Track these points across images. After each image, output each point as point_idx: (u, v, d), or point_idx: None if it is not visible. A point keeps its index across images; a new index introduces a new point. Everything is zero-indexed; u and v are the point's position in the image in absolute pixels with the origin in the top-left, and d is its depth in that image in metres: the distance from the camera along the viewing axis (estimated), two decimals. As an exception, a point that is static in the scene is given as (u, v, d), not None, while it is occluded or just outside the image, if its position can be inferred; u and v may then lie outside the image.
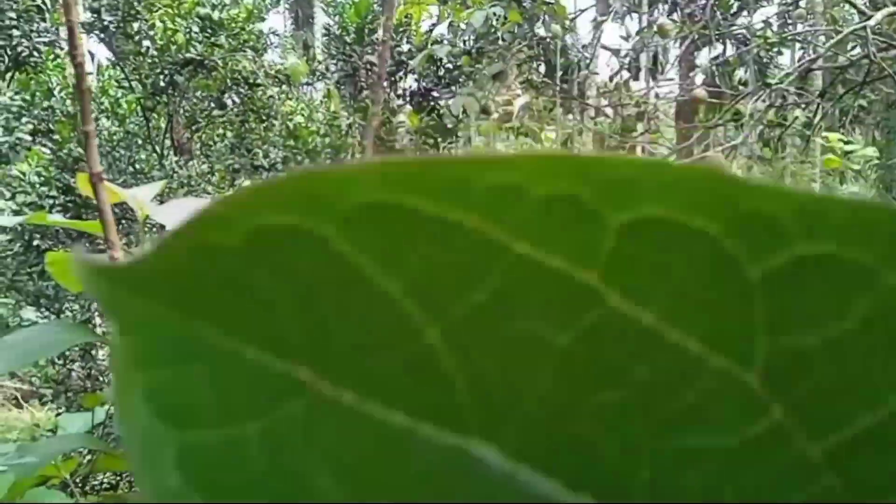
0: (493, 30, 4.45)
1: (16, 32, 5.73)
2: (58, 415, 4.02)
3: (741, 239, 0.12)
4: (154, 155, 5.28)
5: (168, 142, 5.67)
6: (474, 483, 0.14)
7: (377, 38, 6.14)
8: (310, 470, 0.14)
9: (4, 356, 2.28)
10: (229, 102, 5.59)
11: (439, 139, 6.25)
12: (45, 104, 5.48)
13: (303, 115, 6.23)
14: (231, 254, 0.13)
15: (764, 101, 3.67)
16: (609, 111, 4.97)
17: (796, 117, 4.16)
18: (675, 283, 0.12)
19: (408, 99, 6.47)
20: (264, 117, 5.64)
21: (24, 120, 4.94)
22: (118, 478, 3.67)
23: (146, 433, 0.14)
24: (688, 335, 0.12)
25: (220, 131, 5.89)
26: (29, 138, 5.16)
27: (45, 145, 5.01)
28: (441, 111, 6.30)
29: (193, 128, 5.74)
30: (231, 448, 0.14)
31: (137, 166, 5.03)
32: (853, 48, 3.52)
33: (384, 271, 0.13)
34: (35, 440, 3.58)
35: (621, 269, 0.12)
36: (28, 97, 5.28)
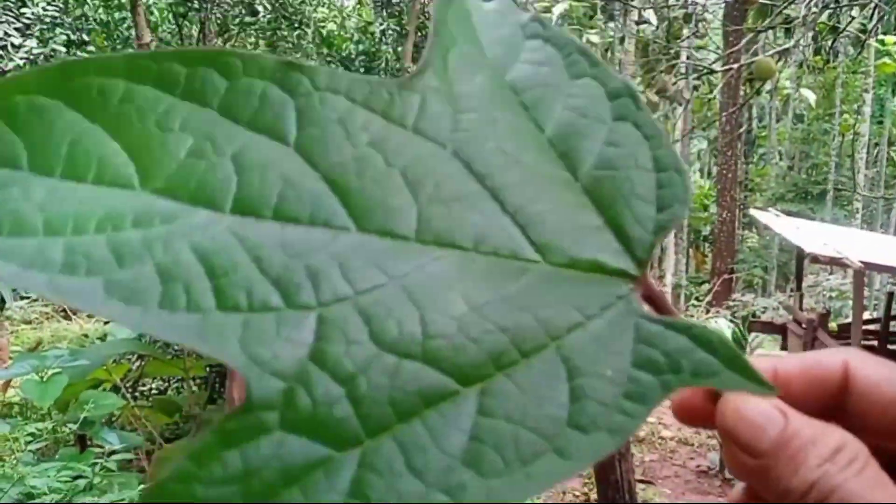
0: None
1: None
2: (106, 324, 4.15)
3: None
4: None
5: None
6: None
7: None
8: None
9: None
10: (261, 9, 5.49)
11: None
12: (78, 12, 5.41)
13: (335, 21, 6.06)
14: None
15: (817, 4, 3.48)
16: (653, 20, 4.78)
17: (851, 18, 3.96)
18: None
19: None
20: (296, 24, 5.54)
21: (57, 31, 4.90)
22: (166, 383, 3.81)
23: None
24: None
25: (252, 39, 5.79)
26: (63, 49, 5.12)
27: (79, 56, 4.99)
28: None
29: (225, 35, 5.67)
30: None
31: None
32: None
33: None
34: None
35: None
36: (61, 5, 5.20)
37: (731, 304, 9.52)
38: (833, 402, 0.31)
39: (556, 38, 0.32)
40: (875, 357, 0.32)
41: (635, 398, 0.26)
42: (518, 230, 0.28)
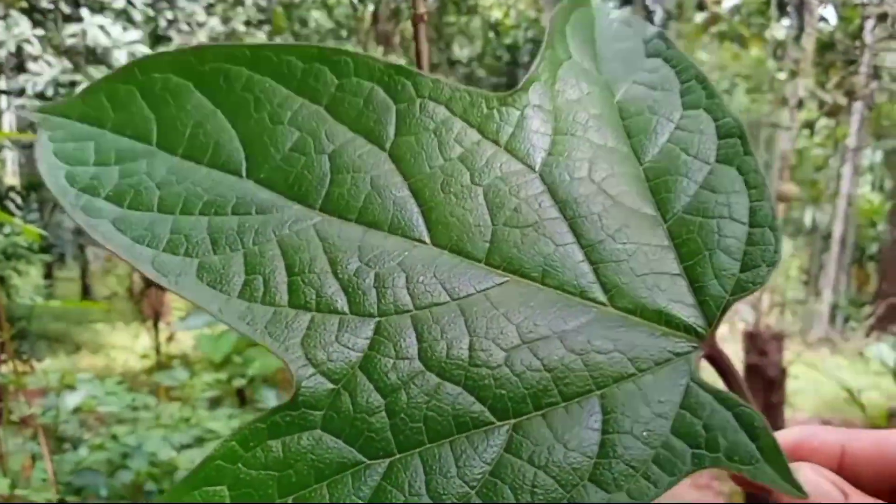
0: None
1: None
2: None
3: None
4: (360, 46, 5.41)
5: (372, 33, 5.74)
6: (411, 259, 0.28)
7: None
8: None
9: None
10: (430, -4, 5.58)
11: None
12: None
13: (502, 9, 6.04)
14: (129, 92, 0.29)
15: None
16: (833, 17, 4.47)
17: None
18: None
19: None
20: (464, 10, 5.61)
21: (238, 10, 5.20)
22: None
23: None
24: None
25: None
26: (243, 29, 5.40)
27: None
28: (650, 7, 5.90)
29: (396, 19, 5.82)
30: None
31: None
32: None
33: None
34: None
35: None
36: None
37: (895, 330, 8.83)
38: None
39: (678, 59, 0.31)
40: None
41: (664, 466, 0.25)
42: (589, 266, 0.28)
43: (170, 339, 4.81)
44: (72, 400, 2.53)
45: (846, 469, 0.30)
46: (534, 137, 0.29)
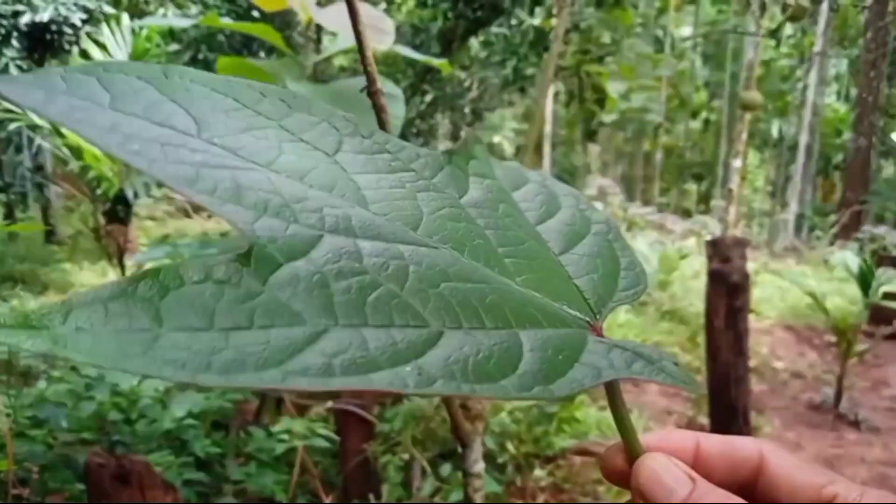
0: None
1: None
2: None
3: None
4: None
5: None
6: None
7: None
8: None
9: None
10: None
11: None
12: None
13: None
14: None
15: None
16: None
17: None
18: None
19: None
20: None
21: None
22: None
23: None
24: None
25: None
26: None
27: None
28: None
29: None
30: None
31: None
32: None
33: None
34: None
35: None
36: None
37: (859, 236, 8.98)
38: (746, 484, 0.35)
39: (552, 182, 0.44)
40: (786, 449, 0.36)
41: (576, 375, 0.30)
42: (502, 256, 0.36)
43: (136, 274, 4.75)
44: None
45: (700, 463, 0.35)
46: (456, 183, 0.39)
